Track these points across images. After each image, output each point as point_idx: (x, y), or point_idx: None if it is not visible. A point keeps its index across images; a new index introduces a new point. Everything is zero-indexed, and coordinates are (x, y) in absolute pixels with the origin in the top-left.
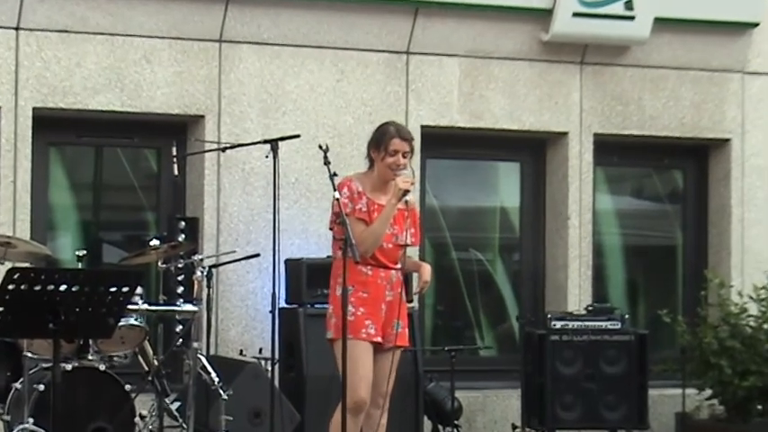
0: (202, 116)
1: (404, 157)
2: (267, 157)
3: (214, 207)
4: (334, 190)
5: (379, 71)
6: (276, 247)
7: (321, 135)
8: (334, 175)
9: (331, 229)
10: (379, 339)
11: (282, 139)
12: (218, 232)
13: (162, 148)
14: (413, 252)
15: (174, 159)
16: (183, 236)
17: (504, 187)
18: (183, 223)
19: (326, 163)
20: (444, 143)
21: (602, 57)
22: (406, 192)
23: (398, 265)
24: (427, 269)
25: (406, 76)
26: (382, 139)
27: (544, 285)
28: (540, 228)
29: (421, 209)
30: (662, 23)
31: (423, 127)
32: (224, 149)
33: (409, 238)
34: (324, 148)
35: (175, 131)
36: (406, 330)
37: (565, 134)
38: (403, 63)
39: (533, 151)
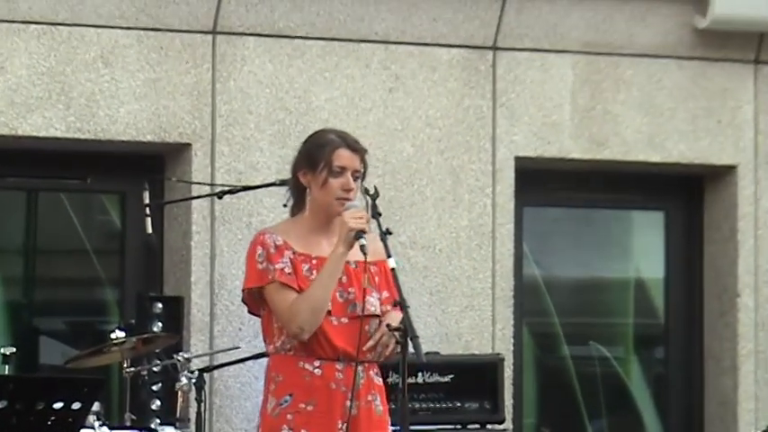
0: (188, 145)
1: (354, 178)
2: (285, 205)
3: (206, 281)
4: (388, 256)
5: (452, 76)
6: None
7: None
8: (388, 232)
9: (246, 306)
10: None
11: None
12: (213, 318)
13: (128, 193)
14: None
15: (147, 210)
16: (161, 324)
17: (640, 249)
18: (159, 305)
19: (375, 215)
20: (551, 183)
21: None
22: (360, 233)
23: (368, 354)
24: (392, 317)
25: (492, 83)
26: (320, 153)
27: (702, 397)
28: (696, 310)
29: (516, 281)
30: None
31: (518, 159)
32: (221, 195)
33: (374, 304)
34: (371, 192)
35: (148, 168)
36: None
37: (732, 168)
38: (488, 64)
39: (684, 195)
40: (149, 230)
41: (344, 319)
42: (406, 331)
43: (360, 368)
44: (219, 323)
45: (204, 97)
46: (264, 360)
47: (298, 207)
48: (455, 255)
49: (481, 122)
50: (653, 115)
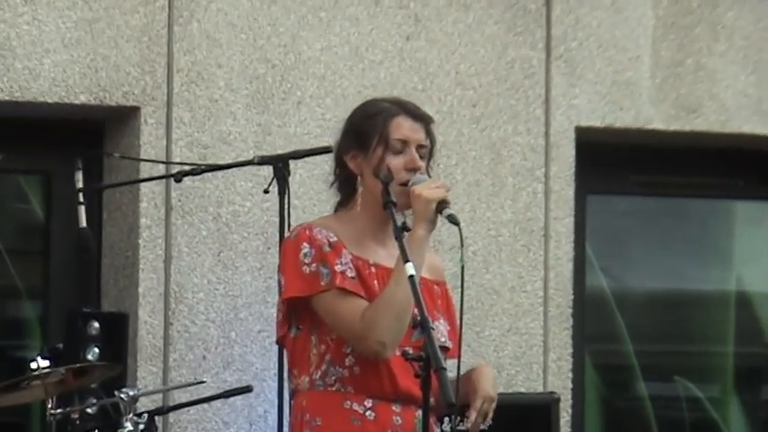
0: (135, 108)
1: (419, 154)
2: (267, 191)
3: (159, 293)
4: (405, 261)
5: (491, 18)
6: (285, 374)
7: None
8: (404, 228)
9: (280, 339)
10: None
11: (296, 155)
12: (168, 343)
13: (54, 173)
14: None
15: (80, 197)
16: (97, 350)
17: (744, 252)
18: (95, 325)
19: (387, 204)
20: (623, 163)
21: None
22: (443, 203)
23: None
24: (487, 375)
25: (545, 28)
26: (371, 126)
27: None
28: None
29: (577, 295)
30: None
31: (580, 130)
32: (179, 177)
33: (444, 333)
34: (382, 175)
35: (81, 140)
36: None
37: None
38: (540, 2)
39: None
40: (83, 224)
41: (408, 349)
42: (428, 361)
43: (418, 414)
44: (177, 349)
45: (157, 45)
46: (240, 399)
47: (344, 203)
48: (494, 259)
49: (530, 81)
50: (762, 72)
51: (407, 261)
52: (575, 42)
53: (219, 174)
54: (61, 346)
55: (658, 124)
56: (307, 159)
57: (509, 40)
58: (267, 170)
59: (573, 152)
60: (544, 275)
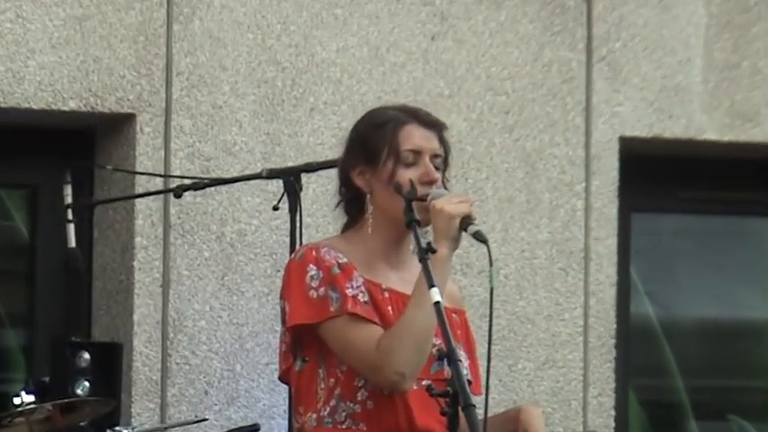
0: (131, 116)
1: (433, 164)
2: (276, 208)
3: (156, 321)
4: (430, 286)
5: (526, 16)
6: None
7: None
8: (430, 249)
9: (284, 374)
10: None
11: (309, 168)
12: (166, 376)
13: (40, 187)
14: None
15: (69, 214)
16: (88, 384)
17: None
18: (86, 356)
19: (411, 222)
20: (672, 177)
21: None
22: (467, 219)
23: None
24: (538, 417)
25: (586, 27)
26: (379, 137)
27: None
28: None
29: (620, 324)
30: None
31: (625, 141)
32: (179, 192)
33: (465, 366)
34: (405, 191)
35: (70, 151)
36: None
37: None
38: (579, 0)
39: None
40: (72, 244)
41: (427, 383)
42: (455, 397)
43: None
44: (176, 383)
45: (155, 45)
46: None
47: (351, 224)
48: (529, 284)
49: (569, 86)
50: None
51: (433, 286)
52: (618, 43)
53: (223, 188)
54: (47, 379)
55: (711, 134)
56: (320, 173)
57: (546, 40)
58: (276, 184)
59: (616, 165)
60: (584, 302)
